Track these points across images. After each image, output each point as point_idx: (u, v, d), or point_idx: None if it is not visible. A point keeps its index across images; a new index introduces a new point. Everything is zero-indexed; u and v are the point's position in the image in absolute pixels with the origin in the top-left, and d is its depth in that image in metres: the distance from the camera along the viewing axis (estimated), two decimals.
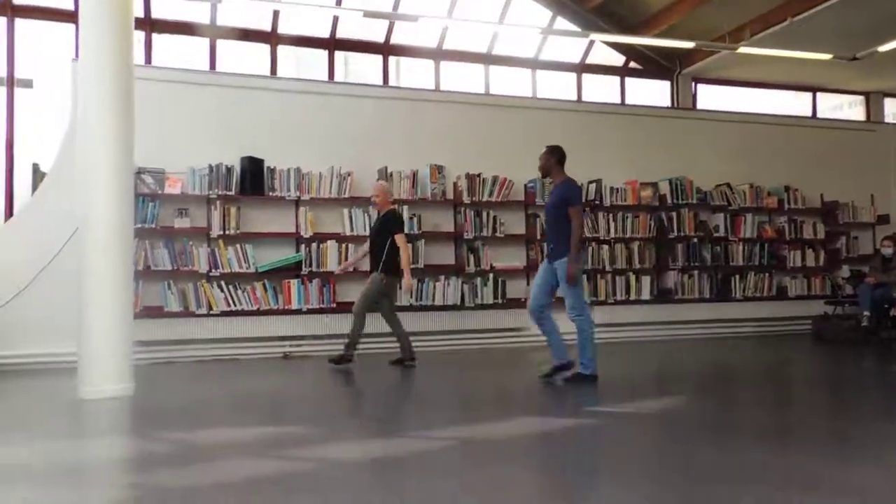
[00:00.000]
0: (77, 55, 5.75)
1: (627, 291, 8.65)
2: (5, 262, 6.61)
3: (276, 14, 8.66)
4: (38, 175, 7.29)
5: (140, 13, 8.01)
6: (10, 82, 7.61)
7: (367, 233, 7.56)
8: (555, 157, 5.41)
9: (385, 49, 9.28)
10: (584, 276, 5.81)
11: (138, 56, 7.36)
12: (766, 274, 9.27)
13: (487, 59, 9.68)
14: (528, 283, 8.36)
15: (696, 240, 8.98)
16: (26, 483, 3.01)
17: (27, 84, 7.75)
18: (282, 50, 8.86)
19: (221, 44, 8.61)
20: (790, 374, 6.44)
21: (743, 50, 8.68)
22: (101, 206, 5.04)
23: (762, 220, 9.44)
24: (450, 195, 8.08)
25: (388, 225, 6.47)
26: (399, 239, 6.41)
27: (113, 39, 5.15)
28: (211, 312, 7.13)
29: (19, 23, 7.71)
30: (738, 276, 9.12)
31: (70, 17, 7.62)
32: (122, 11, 5.22)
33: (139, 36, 7.94)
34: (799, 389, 5.62)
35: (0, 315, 6.53)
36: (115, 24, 5.16)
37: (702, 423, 4.03)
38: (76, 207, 5.19)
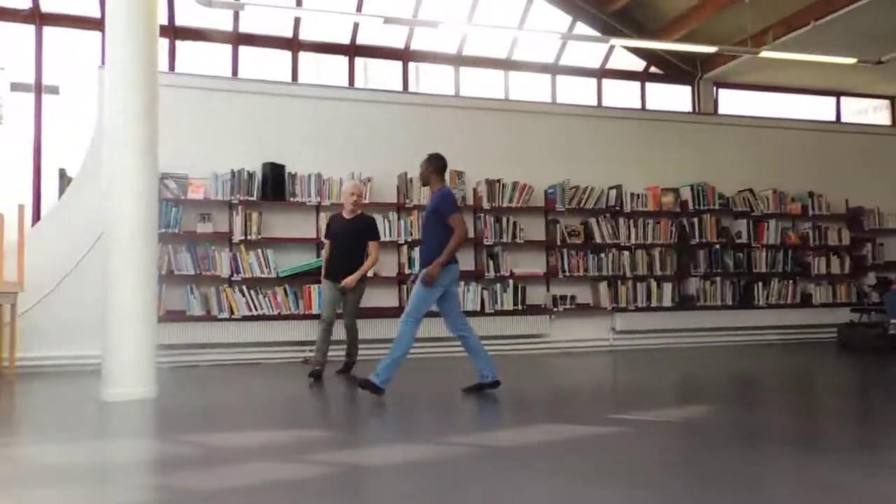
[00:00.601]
0: (103, 62, 5.83)
1: (649, 298, 8.59)
2: (32, 266, 6.71)
3: (297, 21, 8.73)
4: (64, 180, 7.42)
5: (164, 21, 8.12)
6: (39, 89, 7.74)
7: (388, 238, 7.59)
8: (433, 166, 5.21)
9: (405, 55, 9.31)
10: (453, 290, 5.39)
11: (162, 63, 7.46)
12: (790, 281, 9.15)
13: (507, 64, 9.67)
14: (548, 290, 8.34)
15: (718, 246, 8.89)
16: (50, 484, 3.04)
17: (53, 90, 7.89)
18: (303, 56, 8.92)
19: (243, 51, 8.69)
20: (816, 382, 6.35)
21: (765, 54, 8.58)
22: (126, 211, 5.10)
23: (786, 227, 9.33)
24: (469, 201, 8.08)
25: (366, 231, 6.28)
26: (376, 247, 6.27)
27: (138, 47, 5.22)
28: (233, 317, 7.19)
29: (47, 30, 7.85)
30: (761, 283, 9.02)
31: (97, 24, 7.74)
32: (148, 19, 5.30)
33: (163, 43, 8.04)
34: (825, 398, 5.53)
35: (26, 317, 6.64)
36: (141, 31, 5.24)
37: (727, 431, 3.98)
38: (102, 212, 5.26)
